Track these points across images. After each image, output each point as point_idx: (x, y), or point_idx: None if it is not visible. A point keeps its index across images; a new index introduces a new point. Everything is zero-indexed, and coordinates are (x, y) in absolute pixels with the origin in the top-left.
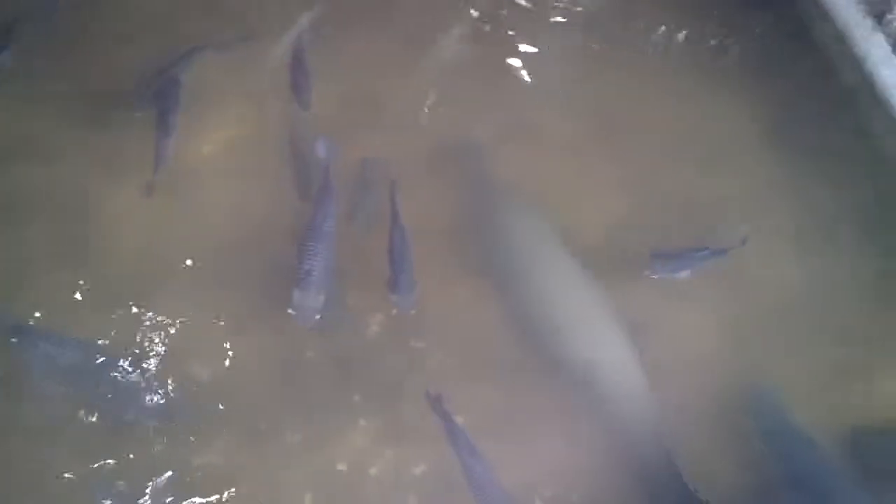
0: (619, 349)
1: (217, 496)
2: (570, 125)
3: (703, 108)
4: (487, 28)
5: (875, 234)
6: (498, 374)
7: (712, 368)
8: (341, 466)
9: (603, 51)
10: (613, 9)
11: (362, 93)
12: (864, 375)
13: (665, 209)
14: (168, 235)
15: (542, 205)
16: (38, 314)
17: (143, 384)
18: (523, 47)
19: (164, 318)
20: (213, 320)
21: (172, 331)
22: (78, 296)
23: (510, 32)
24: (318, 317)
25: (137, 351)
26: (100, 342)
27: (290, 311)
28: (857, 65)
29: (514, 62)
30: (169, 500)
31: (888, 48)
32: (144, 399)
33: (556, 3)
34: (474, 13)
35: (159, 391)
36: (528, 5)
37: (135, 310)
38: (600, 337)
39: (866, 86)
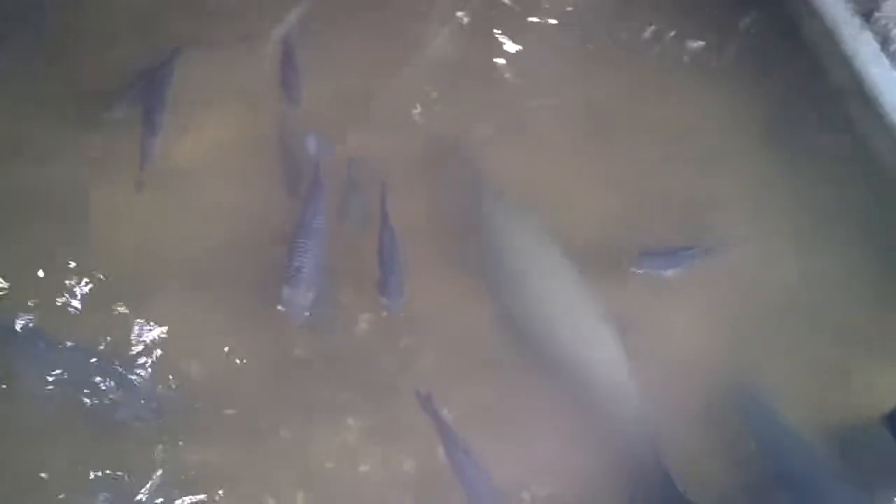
0: (609, 348)
1: (211, 495)
2: (562, 124)
3: (693, 107)
4: (478, 27)
5: (864, 233)
6: (488, 372)
7: (702, 367)
8: (333, 465)
9: (594, 50)
10: (604, 8)
11: (352, 90)
12: (853, 373)
13: (656, 208)
14: (158, 234)
15: (533, 204)
16: (30, 314)
17: (135, 383)
18: (514, 46)
19: (156, 317)
20: (205, 319)
21: (164, 330)
22: (70, 295)
23: (501, 31)
24: (307, 314)
25: (130, 350)
26: (92, 342)
27: (279, 307)
28: (845, 63)
29: (506, 61)
30: (162, 499)
31: (876, 46)
32: (137, 398)
33: (546, 3)
34: (465, 12)
35: (152, 390)
36: (519, 5)
37: (127, 309)
38: (590, 336)
39: (855, 84)
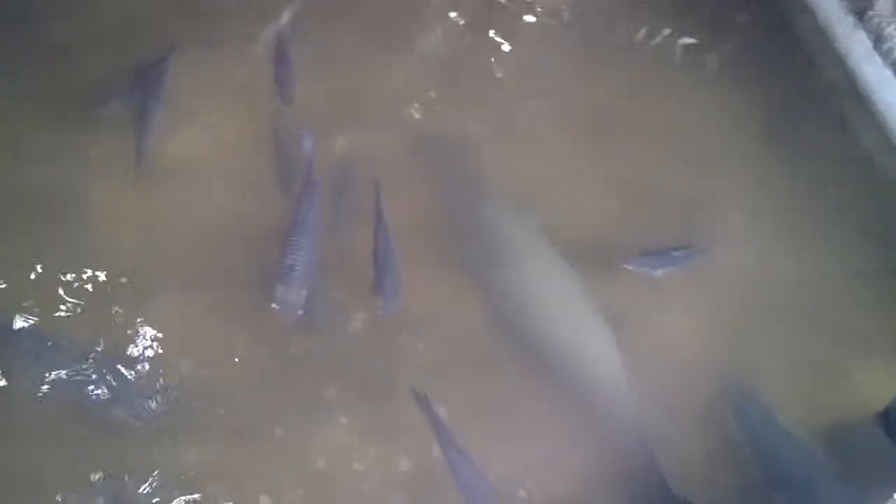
0: (604, 346)
1: (210, 494)
2: (557, 124)
3: (688, 106)
4: (474, 25)
5: (855, 231)
6: (482, 369)
7: (694, 364)
8: (330, 463)
9: (589, 49)
10: (600, 7)
11: (346, 89)
12: (846, 372)
13: (651, 206)
14: (154, 233)
15: (529, 203)
16: (28, 314)
17: (133, 383)
18: (509, 45)
19: (153, 316)
20: (202, 318)
21: (162, 329)
22: (67, 295)
23: (496, 30)
24: (300, 312)
25: (128, 349)
26: (89, 341)
27: (273, 305)
28: (838, 61)
29: (501, 60)
30: (161, 499)
31: (869, 45)
32: (135, 397)
33: (541, 3)
34: (460, 10)
35: (149, 389)
36: (514, 4)
37: (124, 308)
38: (585, 334)
39: (848, 82)
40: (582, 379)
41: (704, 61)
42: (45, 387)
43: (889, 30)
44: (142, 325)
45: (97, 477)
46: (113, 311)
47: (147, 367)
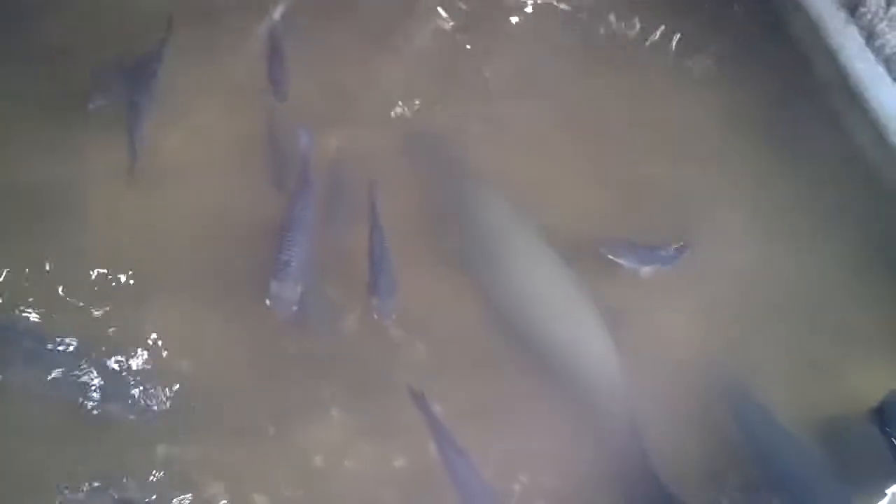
0: (600, 344)
1: (209, 493)
2: (552, 121)
3: (680, 102)
4: (468, 22)
5: (848, 228)
6: (479, 368)
7: (691, 364)
8: (326, 462)
9: (583, 47)
10: (593, 6)
11: (340, 85)
12: (843, 371)
13: (643, 204)
14: (147, 231)
15: (520, 198)
16: (26, 314)
17: (128, 382)
18: (502, 42)
19: (148, 315)
20: (197, 316)
21: (157, 328)
22: (63, 295)
23: (490, 27)
24: (294, 308)
25: (123, 349)
26: (86, 340)
27: (267, 301)
28: (831, 58)
29: (495, 57)
30: (156, 498)
31: (861, 41)
32: (125, 396)
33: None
34: (454, 7)
35: (145, 389)
36: (508, 1)
37: (119, 308)
38: (581, 331)
39: (840, 78)
40: (579, 378)
41: (699, 59)
42: (45, 387)
43: (881, 26)
44: (140, 325)
45: (97, 477)
46: (111, 311)
47: (146, 366)
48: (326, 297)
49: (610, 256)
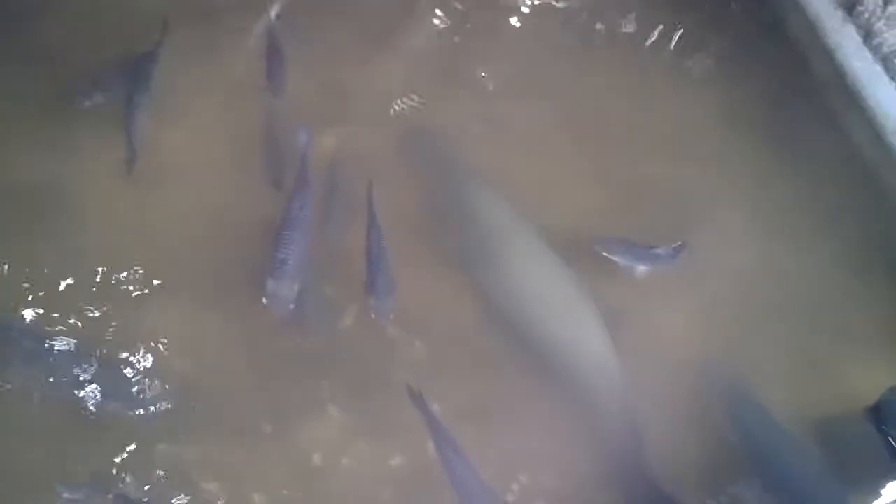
0: (598, 343)
1: (205, 492)
2: (549, 120)
3: (678, 101)
4: (466, 19)
5: (846, 227)
6: (476, 366)
7: (690, 363)
8: (322, 460)
9: (580, 46)
10: (588, 4)
11: (339, 84)
12: (837, 367)
13: (639, 202)
14: (146, 230)
15: (519, 197)
16: (23, 314)
17: (123, 381)
18: (500, 41)
19: (147, 314)
20: (194, 315)
21: (155, 327)
22: (62, 295)
23: (488, 25)
24: (291, 306)
25: (119, 347)
26: (80, 339)
27: (263, 300)
28: (828, 56)
29: (492, 55)
30: (156, 497)
31: (859, 40)
32: (125, 395)
33: None
34: (451, 5)
35: (144, 388)
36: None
37: (116, 306)
38: (578, 328)
39: (837, 77)
40: (578, 378)
41: (698, 58)
42: (44, 387)
43: (878, 25)
44: (139, 324)
45: (96, 477)
46: (111, 311)
47: (145, 365)
48: (324, 295)
49: (604, 254)
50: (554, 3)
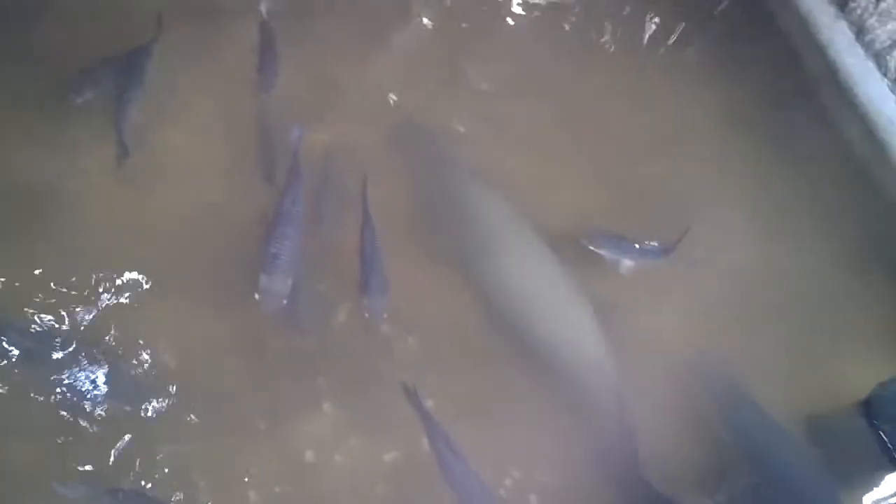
0: (593, 339)
1: (202, 488)
2: (544, 119)
3: (671, 97)
4: (460, 15)
5: (837, 222)
6: (471, 363)
7: (688, 360)
8: (316, 457)
9: (573, 43)
10: (585, 3)
11: (331, 79)
12: (837, 367)
13: (638, 201)
14: (135, 224)
15: (512, 193)
16: (22, 314)
17: (123, 380)
18: (494, 37)
19: (143, 312)
20: (192, 313)
21: (152, 325)
22: (57, 293)
23: (481, 20)
24: (284, 301)
25: (118, 347)
26: (80, 339)
27: (256, 295)
28: (820, 52)
29: (486, 53)
30: (154, 495)
31: (851, 36)
32: (125, 395)
33: None
34: (447, 3)
35: (139, 386)
36: None
37: (115, 306)
38: (573, 326)
39: (829, 73)
40: (574, 376)
41: (693, 56)
42: (42, 386)
43: (871, 21)
44: (138, 324)
45: (95, 475)
46: (110, 310)
47: (144, 365)
48: (317, 291)
49: (591, 247)
50: (552, 1)
